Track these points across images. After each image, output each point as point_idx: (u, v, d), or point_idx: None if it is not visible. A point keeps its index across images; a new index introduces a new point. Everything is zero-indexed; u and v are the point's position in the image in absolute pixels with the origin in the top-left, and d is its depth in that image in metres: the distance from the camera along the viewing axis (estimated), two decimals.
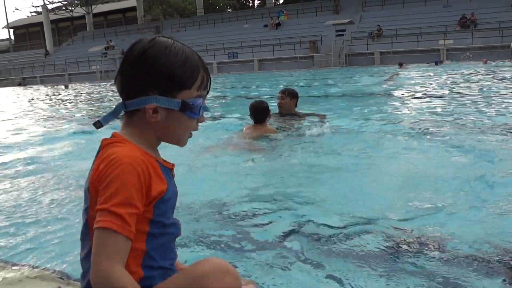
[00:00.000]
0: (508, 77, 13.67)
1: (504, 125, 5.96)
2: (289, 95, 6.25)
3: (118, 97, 1.39)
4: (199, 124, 1.47)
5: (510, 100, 8.63)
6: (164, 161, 1.45)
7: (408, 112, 8.09)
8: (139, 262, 1.32)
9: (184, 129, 1.43)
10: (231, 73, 33.06)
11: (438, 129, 5.95)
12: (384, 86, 14.14)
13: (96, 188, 1.28)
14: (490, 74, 15.46)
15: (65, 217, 3.25)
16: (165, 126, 1.39)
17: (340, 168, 4.27)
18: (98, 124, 1.42)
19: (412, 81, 15.07)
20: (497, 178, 3.61)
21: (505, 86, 11.34)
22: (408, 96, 10.77)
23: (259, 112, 5.55)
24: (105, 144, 1.36)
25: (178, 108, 1.37)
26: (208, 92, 1.46)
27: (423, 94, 10.85)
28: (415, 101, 9.70)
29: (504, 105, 8.03)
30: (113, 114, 1.41)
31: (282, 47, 35.01)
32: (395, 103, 9.78)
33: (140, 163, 1.28)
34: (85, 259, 1.33)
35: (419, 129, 6.05)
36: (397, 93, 11.72)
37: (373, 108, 8.81)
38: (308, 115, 6.59)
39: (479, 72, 17.04)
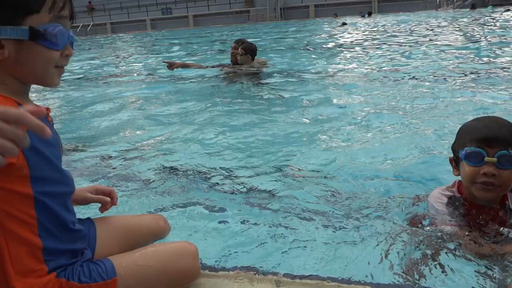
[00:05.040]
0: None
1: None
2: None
3: None
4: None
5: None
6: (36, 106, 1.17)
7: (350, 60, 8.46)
8: (35, 231, 1.15)
9: (43, 64, 1.15)
10: (165, 29, 32.06)
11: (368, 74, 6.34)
12: (325, 38, 14.49)
13: None
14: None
15: None
16: (19, 63, 1.11)
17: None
18: None
19: (349, 34, 15.51)
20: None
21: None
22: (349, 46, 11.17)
23: None
24: None
25: (27, 37, 1.08)
26: (72, 17, 1.19)
27: (356, 43, 11.29)
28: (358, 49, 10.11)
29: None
30: None
31: (217, 1, 34.27)
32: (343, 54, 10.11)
33: None
34: None
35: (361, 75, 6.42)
36: (343, 44, 12.09)
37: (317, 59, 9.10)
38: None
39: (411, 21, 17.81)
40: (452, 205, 1.79)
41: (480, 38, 10.65)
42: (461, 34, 12.15)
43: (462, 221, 1.75)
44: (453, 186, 1.90)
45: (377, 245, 1.89)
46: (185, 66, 7.42)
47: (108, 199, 1.60)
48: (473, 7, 23.49)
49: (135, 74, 8.95)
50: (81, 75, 9.14)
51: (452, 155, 1.87)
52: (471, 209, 1.76)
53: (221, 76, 6.74)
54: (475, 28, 13.47)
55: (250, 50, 6.51)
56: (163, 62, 7.53)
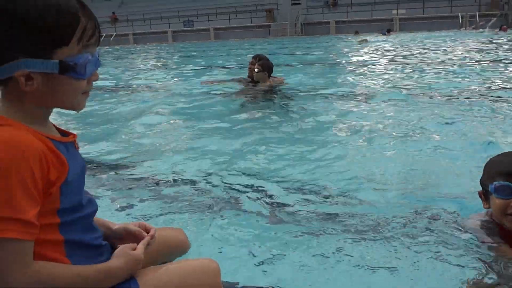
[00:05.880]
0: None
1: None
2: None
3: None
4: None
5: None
6: (62, 134, 1.24)
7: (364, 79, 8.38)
8: (62, 252, 1.18)
9: (71, 94, 1.16)
10: (186, 42, 32.45)
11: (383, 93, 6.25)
12: (344, 55, 14.45)
13: None
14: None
15: None
16: (48, 93, 1.12)
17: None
18: None
19: (368, 51, 15.45)
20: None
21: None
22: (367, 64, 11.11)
23: None
24: None
25: (57, 71, 1.09)
26: (99, 42, 1.17)
27: (376, 62, 11.21)
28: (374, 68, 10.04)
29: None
30: None
31: (239, 15, 34.59)
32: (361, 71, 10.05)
33: (33, 147, 1.05)
34: None
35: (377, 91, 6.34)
36: (362, 61, 12.05)
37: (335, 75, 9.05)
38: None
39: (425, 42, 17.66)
40: (487, 229, 1.91)
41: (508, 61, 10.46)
42: (486, 54, 11.97)
43: (498, 242, 1.86)
44: (486, 213, 2.00)
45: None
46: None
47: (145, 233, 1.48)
48: (501, 28, 22.58)
49: (153, 87, 8.99)
50: (102, 86, 9.22)
51: (480, 188, 1.98)
52: (504, 234, 1.87)
53: (236, 91, 6.68)
54: (501, 49, 13.26)
55: (267, 67, 6.43)
56: (202, 84, 7.77)
